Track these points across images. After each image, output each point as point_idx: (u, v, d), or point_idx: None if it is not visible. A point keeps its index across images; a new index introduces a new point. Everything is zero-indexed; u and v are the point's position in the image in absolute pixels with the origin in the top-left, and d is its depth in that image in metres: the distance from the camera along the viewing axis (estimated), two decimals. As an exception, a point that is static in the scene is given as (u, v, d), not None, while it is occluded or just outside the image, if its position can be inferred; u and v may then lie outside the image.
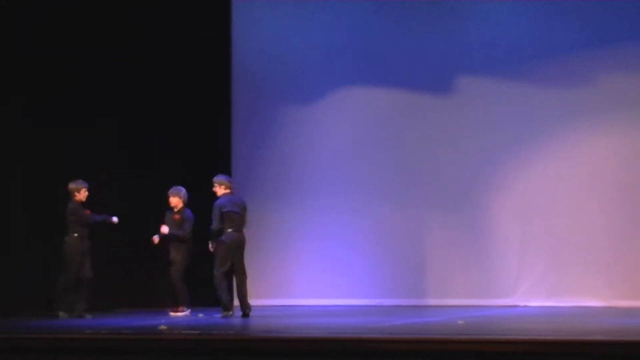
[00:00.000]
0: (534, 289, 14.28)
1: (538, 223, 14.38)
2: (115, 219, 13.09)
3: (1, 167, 13.57)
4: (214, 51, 15.38)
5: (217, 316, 12.57)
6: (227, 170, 14.47)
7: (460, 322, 11.20)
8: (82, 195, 12.97)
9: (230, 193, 12.95)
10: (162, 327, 11.10)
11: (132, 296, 14.57)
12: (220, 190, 12.81)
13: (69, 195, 13.03)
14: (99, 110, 14.46)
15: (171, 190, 13.17)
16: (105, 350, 9.75)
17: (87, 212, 13.03)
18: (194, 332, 10.80)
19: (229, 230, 12.70)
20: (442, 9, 14.93)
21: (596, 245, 14.01)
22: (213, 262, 12.62)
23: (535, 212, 14.41)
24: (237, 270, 12.77)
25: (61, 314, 12.71)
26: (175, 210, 13.15)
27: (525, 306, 14.01)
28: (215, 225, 12.65)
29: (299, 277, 15.13)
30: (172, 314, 13.00)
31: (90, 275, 12.99)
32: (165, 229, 12.99)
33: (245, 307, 12.64)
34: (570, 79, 14.35)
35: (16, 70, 13.69)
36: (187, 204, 13.26)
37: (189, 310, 13.02)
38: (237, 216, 12.83)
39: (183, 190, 13.20)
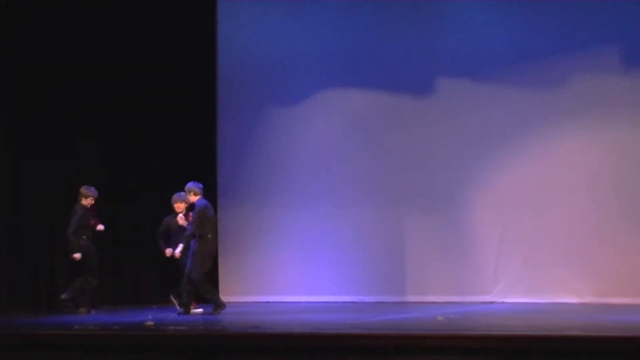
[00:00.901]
0: (511, 286, 14.36)
1: (515, 222, 14.42)
2: (101, 227, 13.35)
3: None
4: (200, 52, 15.39)
5: (208, 313, 12.70)
6: (211, 172, 14.83)
7: (439, 318, 11.28)
8: (88, 201, 13.19)
9: (203, 198, 13.00)
10: (149, 323, 11.18)
11: (118, 293, 14.61)
12: (192, 197, 12.85)
13: (77, 197, 13.23)
14: (93, 101, 14.55)
15: (175, 197, 13.24)
16: (103, 345, 9.83)
17: (92, 221, 13.28)
18: (181, 327, 10.82)
19: (210, 236, 12.80)
20: (423, 13, 14.96)
21: (572, 244, 14.09)
22: (190, 265, 12.64)
23: (513, 212, 14.42)
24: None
25: (68, 307, 12.95)
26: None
27: (502, 303, 14.07)
28: (192, 230, 12.71)
29: (283, 274, 15.14)
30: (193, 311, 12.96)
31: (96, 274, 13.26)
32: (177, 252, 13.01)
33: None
34: (546, 81, 14.40)
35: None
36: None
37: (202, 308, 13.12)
38: (214, 221, 13.04)
39: (184, 195, 13.16)
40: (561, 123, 14.32)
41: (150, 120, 14.99)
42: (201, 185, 13.05)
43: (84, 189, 13.20)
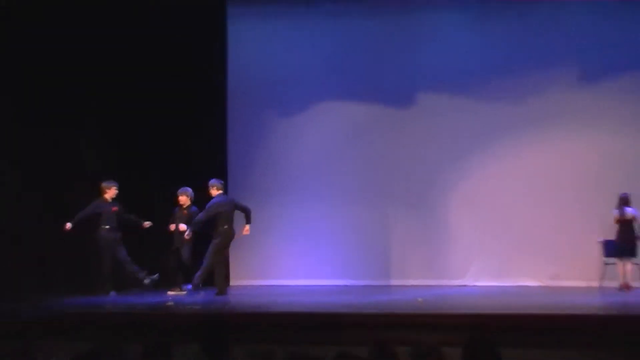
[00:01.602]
0: (481, 271, 14.34)
1: (485, 216, 14.39)
2: (147, 224, 13.29)
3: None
4: (212, 68, 15.12)
5: (212, 295, 12.62)
6: (222, 171, 14.58)
7: (419, 299, 11.45)
8: (110, 193, 13.16)
9: (223, 194, 13.14)
10: (170, 303, 11.47)
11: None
12: (214, 191, 13.01)
13: (99, 192, 13.19)
14: (118, 111, 14.15)
15: (180, 190, 13.25)
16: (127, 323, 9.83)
17: (114, 208, 13.10)
18: (195, 307, 11.08)
19: (225, 227, 12.85)
20: (405, 34, 14.82)
21: (533, 235, 14.10)
22: (206, 252, 12.77)
23: (483, 207, 14.41)
24: (224, 259, 13.19)
25: (99, 290, 12.77)
26: (184, 207, 13.24)
27: (473, 286, 14.07)
28: (203, 217, 12.78)
29: (285, 261, 14.99)
30: (170, 292, 12.97)
31: (122, 260, 13.05)
32: (183, 227, 13.00)
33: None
34: (513, 94, 14.37)
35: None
36: (193, 202, 13.27)
37: (189, 289, 12.96)
38: (230, 214, 12.98)
39: (190, 190, 13.27)
40: (525, 131, 14.33)
41: (170, 127, 14.51)
42: (222, 182, 13.29)
43: (103, 183, 13.16)
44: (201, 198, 13.23)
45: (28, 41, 13.01)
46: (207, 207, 12.93)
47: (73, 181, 13.56)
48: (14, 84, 13.04)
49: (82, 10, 13.46)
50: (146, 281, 13.13)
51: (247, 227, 13.08)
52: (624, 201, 12.95)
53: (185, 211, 13.26)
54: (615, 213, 13.01)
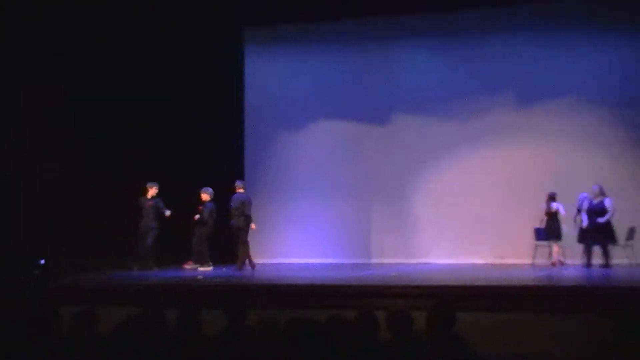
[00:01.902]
0: (441, 252, 14.27)
1: (444, 208, 14.40)
2: (168, 213, 13.06)
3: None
4: (232, 93, 15.16)
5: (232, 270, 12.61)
6: (241, 175, 14.54)
7: (393, 274, 11.48)
8: (152, 191, 13.06)
9: (244, 192, 13.03)
10: (200, 277, 11.51)
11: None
12: (240, 190, 12.86)
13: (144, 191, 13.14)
14: (159, 127, 14.03)
15: (202, 190, 13.16)
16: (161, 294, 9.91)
17: (150, 203, 12.97)
18: (220, 280, 11.03)
19: (248, 214, 12.74)
20: (383, 67, 14.78)
21: (482, 223, 14.06)
22: (241, 237, 12.65)
23: (443, 201, 14.42)
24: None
25: (136, 267, 12.73)
26: (204, 202, 13.15)
27: (435, 263, 13.98)
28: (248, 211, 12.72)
29: (289, 244, 14.93)
30: (186, 266, 12.98)
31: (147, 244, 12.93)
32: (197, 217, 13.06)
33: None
34: (466, 113, 14.31)
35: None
36: (212, 199, 13.14)
37: (212, 266, 12.95)
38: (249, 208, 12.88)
39: (210, 190, 13.17)
40: (476, 142, 14.33)
41: (199, 141, 14.56)
42: (244, 182, 13.25)
43: (148, 184, 13.04)
44: (222, 194, 13.12)
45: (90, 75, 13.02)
46: (246, 203, 12.78)
47: (124, 178, 13.35)
48: (79, 99, 13.02)
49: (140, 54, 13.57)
50: (136, 267, 12.79)
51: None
52: (551, 198, 12.94)
53: (200, 207, 13.17)
54: (544, 207, 13.00)
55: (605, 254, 12.34)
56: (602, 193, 12.43)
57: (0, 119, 11.76)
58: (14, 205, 11.67)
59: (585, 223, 12.47)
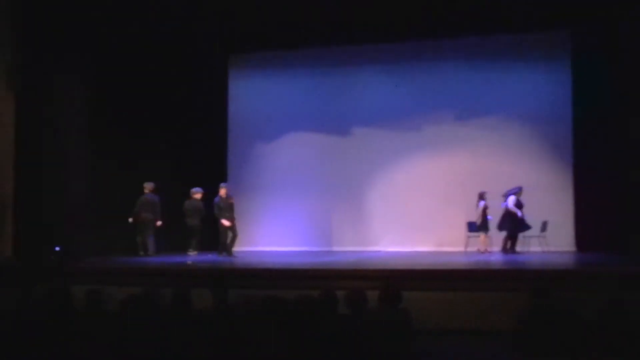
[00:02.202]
0: (391, 241, 14.23)
1: (395, 205, 14.34)
2: (159, 223, 12.61)
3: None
4: (217, 109, 15.10)
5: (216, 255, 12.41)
6: (225, 179, 14.38)
7: (351, 259, 11.55)
8: (148, 188, 12.65)
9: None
10: (189, 262, 11.29)
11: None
12: (223, 192, 12.53)
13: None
14: (160, 137, 14.02)
15: (221, 185, 12.63)
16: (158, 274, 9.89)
17: (148, 199, 12.54)
18: (208, 264, 10.95)
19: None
20: (347, 87, 14.66)
21: (425, 217, 14.02)
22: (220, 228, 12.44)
23: (394, 199, 14.35)
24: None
25: (141, 253, 12.45)
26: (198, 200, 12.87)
27: (385, 251, 13.91)
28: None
29: (268, 234, 14.76)
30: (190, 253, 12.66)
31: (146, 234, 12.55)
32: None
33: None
34: (416, 127, 14.26)
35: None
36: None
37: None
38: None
39: (201, 189, 12.95)
40: (422, 151, 14.34)
41: (189, 149, 14.60)
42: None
43: (145, 184, 12.64)
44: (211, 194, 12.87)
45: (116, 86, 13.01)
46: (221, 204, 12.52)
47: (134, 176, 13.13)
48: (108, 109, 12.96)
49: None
50: (141, 253, 12.50)
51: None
52: (480, 196, 13.08)
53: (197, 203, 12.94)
54: (476, 204, 13.14)
55: (512, 241, 12.72)
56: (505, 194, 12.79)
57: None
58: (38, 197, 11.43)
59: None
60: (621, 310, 4.50)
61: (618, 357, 4.15)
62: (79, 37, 12.15)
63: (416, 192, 14.30)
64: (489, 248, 13.05)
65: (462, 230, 13.53)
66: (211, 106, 15.01)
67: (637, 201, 11.13)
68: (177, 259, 11.98)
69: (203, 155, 14.76)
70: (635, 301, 5.01)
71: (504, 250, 12.75)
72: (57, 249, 10.73)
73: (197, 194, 13.01)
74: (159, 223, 12.70)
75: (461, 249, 13.44)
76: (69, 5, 11.62)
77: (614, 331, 4.34)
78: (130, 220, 12.57)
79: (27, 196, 11.23)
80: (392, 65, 14.55)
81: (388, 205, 14.50)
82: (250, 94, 15.30)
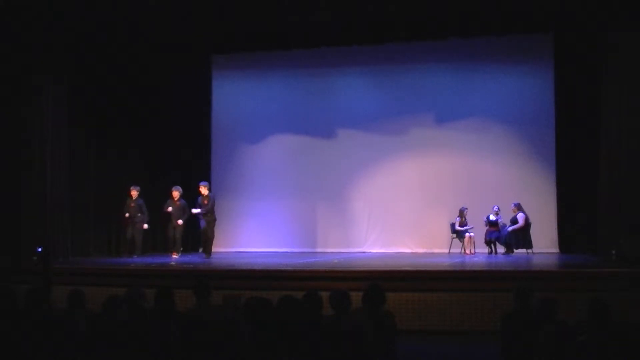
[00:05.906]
0: (374, 242, 14.30)
1: (377, 207, 14.33)
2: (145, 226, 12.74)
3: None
4: (200, 109, 15.04)
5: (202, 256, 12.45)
6: (208, 178, 14.26)
7: (335, 260, 11.51)
8: (133, 192, 12.62)
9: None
10: (173, 263, 11.23)
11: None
12: (204, 190, 12.42)
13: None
14: (140, 136, 14.06)
15: (174, 188, 12.65)
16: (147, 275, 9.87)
17: (132, 204, 12.58)
18: (190, 265, 10.84)
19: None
20: (328, 90, 14.61)
21: (408, 219, 14.07)
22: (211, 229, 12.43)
23: (376, 201, 14.33)
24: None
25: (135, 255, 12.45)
26: (176, 200, 12.59)
27: (370, 252, 13.97)
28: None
29: (248, 235, 14.76)
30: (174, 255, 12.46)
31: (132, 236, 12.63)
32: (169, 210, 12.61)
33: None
34: (397, 129, 14.22)
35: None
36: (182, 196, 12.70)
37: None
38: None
39: (180, 188, 12.70)
40: (403, 153, 14.31)
41: (175, 147, 14.62)
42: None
43: (131, 187, 12.63)
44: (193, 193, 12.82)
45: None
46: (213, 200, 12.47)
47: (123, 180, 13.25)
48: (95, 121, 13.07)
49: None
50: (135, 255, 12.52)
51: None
52: (460, 213, 13.20)
53: (178, 202, 12.64)
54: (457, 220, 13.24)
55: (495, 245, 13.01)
56: (498, 211, 13.01)
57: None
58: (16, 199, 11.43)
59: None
60: (604, 311, 4.53)
61: (601, 357, 4.18)
62: (58, 36, 11.99)
63: (399, 194, 14.29)
64: (473, 249, 13.12)
65: (445, 232, 13.57)
66: (194, 107, 14.95)
67: (620, 202, 11.18)
68: (160, 259, 11.94)
69: (186, 156, 14.77)
70: (618, 301, 5.05)
71: (494, 252, 12.95)
72: (39, 249, 10.61)
73: (176, 191, 12.78)
74: (145, 226, 12.77)
75: (445, 250, 13.48)
76: (47, 3, 11.53)
77: (597, 331, 4.37)
78: (126, 216, 12.62)
79: (6, 197, 11.19)
80: (374, 67, 14.50)
81: (371, 207, 14.49)
82: (233, 94, 15.23)
